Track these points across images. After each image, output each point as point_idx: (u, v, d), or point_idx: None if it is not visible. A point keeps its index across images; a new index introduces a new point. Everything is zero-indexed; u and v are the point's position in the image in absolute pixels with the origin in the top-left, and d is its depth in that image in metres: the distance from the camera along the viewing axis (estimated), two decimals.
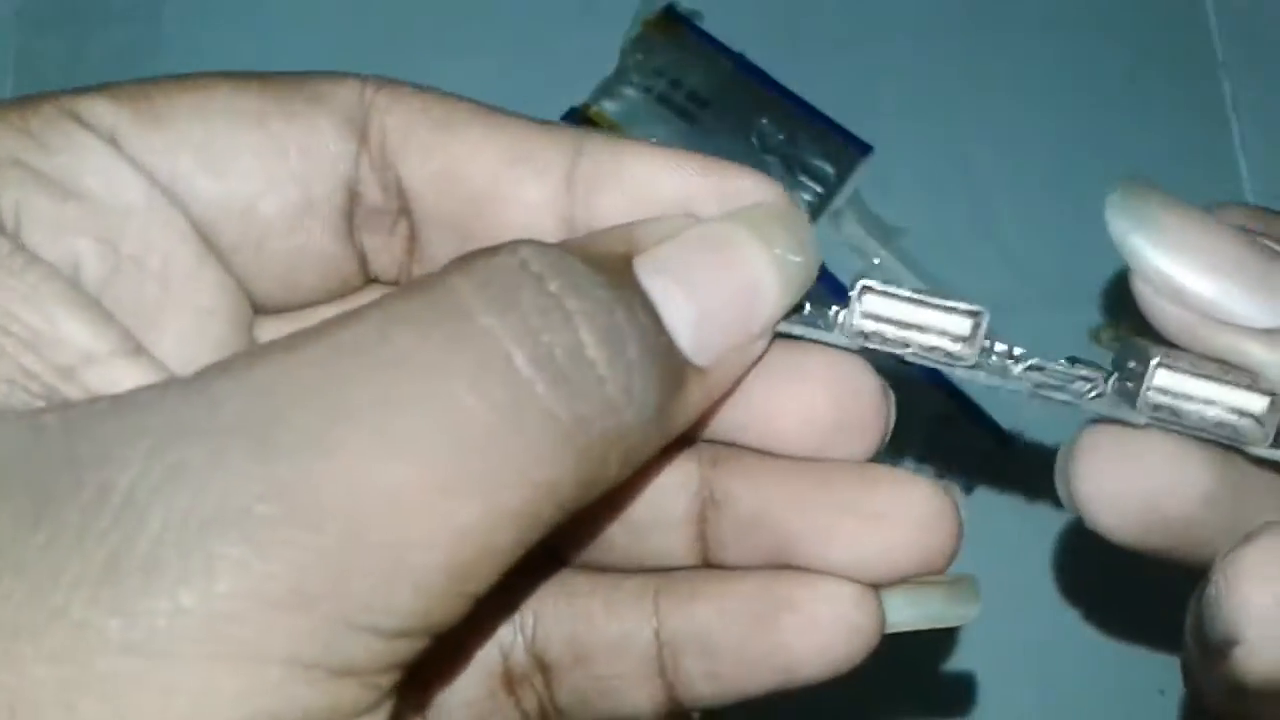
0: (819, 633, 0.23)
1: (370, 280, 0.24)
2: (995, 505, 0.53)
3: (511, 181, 0.22)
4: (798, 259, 0.22)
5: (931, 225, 0.56)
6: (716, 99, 0.58)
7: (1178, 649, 0.26)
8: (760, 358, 0.23)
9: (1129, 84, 0.59)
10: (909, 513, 0.23)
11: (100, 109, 0.20)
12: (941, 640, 0.52)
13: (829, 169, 0.57)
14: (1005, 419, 0.53)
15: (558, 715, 0.25)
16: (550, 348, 0.17)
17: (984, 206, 0.57)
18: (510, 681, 0.25)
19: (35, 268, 0.19)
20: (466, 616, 0.18)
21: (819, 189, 0.57)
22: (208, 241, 0.21)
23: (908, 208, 0.56)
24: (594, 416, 0.18)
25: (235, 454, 0.16)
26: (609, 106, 0.58)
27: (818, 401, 0.23)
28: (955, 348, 0.23)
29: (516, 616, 0.25)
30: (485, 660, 0.25)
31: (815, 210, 0.56)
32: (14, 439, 0.17)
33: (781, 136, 0.57)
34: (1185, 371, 0.23)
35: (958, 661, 0.52)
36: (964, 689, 0.52)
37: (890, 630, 0.24)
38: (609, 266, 0.20)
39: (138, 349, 0.19)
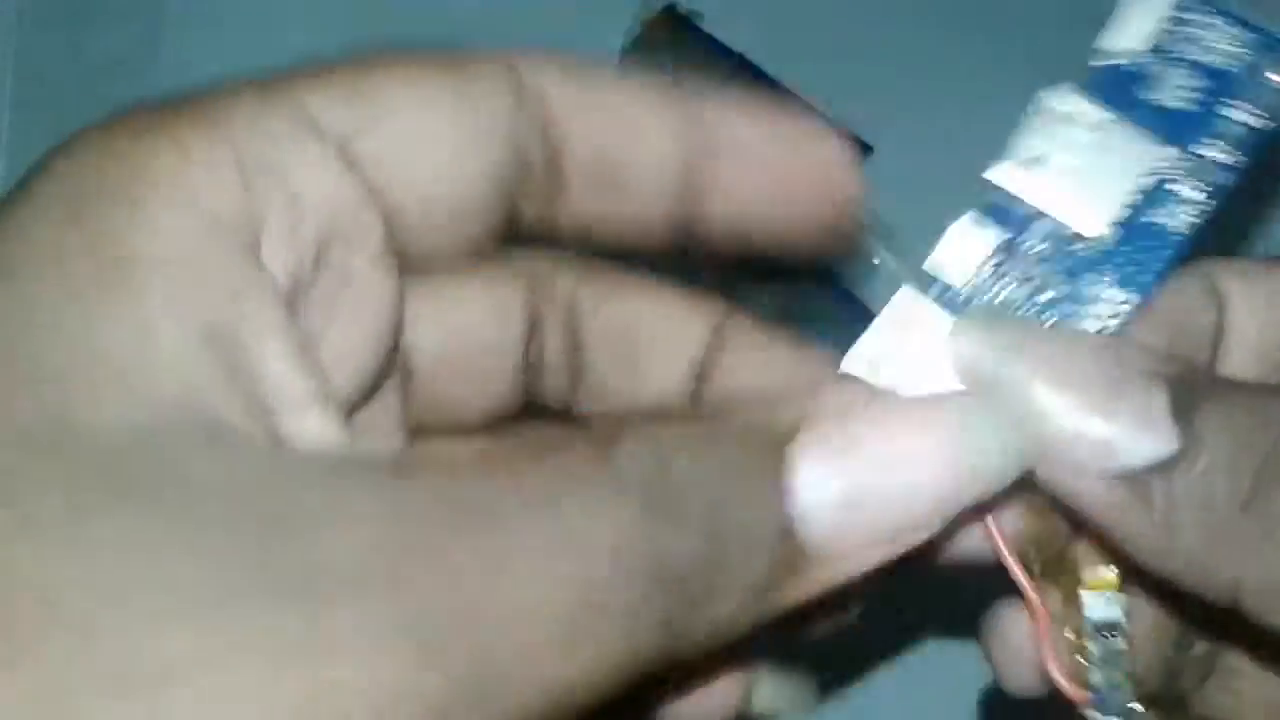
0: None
1: (510, 237, 0.24)
2: None
3: (641, 128, 0.23)
4: (994, 460, 0.20)
5: (931, 225, 0.56)
6: None
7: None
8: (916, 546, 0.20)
9: None
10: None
11: (319, 102, 0.21)
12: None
13: None
14: None
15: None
16: (666, 540, 0.18)
17: None
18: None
19: (267, 299, 0.19)
20: None
21: None
22: (395, 226, 0.22)
23: (908, 208, 0.56)
24: (683, 611, 0.18)
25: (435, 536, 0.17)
26: None
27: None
28: None
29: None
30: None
31: None
32: (254, 464, 0.17)
33: None
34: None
35: (962, 653, 0.52)
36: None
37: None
38: (753, 445, 0.19)
39: (327, 396, 0.19)
